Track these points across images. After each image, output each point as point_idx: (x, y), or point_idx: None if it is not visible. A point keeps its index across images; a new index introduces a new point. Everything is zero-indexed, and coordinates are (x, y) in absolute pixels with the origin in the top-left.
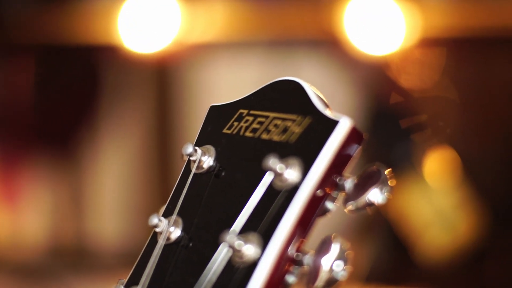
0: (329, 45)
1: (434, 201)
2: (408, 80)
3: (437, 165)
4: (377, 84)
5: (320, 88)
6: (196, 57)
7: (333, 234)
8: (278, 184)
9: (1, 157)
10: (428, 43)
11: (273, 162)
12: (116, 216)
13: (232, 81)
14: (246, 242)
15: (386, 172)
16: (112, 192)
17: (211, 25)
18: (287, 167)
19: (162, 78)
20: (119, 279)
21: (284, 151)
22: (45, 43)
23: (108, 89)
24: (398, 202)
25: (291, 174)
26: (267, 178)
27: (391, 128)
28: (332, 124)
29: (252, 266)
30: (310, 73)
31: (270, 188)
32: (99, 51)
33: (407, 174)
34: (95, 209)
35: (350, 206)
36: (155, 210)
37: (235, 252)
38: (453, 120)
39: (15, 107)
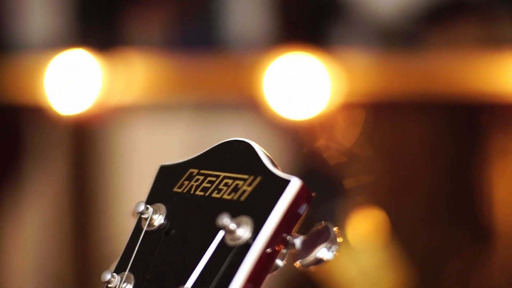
0: (251, 108)
1: (358, 260)
2: (331, 142)
3: (362, 224)
4: (300, 146)
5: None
6: (117, 118)
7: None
8: (230, 241)
9: None
10: (350, 106)
11: (226, 220)
12: (27, 279)
13: (154, 143)
14: None
15: (334, 229)
16: (24, 254)
17: (132, 86)
18: (239, 225)
19: (80, 139)
20: None
21: (236, 210)
22: None
23: (32, 149)
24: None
25: (243, 232)
26: (219, 236)
27: (315, 189)
28: (283, 183)
29: None
30: (233, 135)
31: (222, 245)
32: (24, 111)
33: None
34: (5, 271)
35: (299, 263)
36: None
37: None
38: (376, 179)
39: None
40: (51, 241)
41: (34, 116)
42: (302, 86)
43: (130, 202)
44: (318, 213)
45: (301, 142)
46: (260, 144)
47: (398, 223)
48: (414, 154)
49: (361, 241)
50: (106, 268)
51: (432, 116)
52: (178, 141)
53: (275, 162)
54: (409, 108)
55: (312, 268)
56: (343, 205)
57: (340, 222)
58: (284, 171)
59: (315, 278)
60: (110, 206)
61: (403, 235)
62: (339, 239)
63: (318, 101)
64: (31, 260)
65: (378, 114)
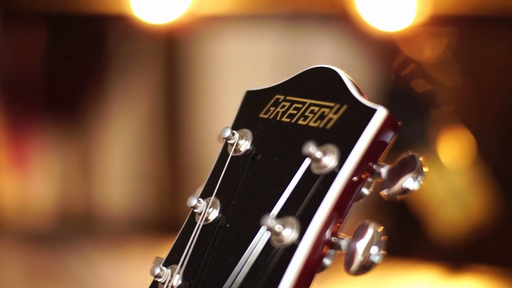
0: (342, 20)
1: (448, 179)
2: (420, 57)
3: (451, 144)
4: (389, 60)
5: (334, 63)
6: (206, 29)
7: (369, 219)
8: (316, 169)
9: (11, 124)
10: (438, 20)
11: (312, 148)
12: (123, 183)
13: (242, 55)
14: (285, 226)
15: (420, 159)
16: (119, 159)
17: None
18: (325, 153)
19: (171, 49)
20: (157, 257)
21: (322, 138)
22: (55, 11)
23: (117, 58)
24: None
25: (329, 160)
26: (305, 164)
27: (404, 105)
28: (369, 112)
29: (290, 249)
30: (323, 48)
31: (308, 173)
32: (110, 20)
33: (421, 152)
34: (103, 175)
35: (385, 192)
36: (161, 178)
37: (274, 235)
38: (464, 98)
39: (25, 74)
40: (145, 148)
41: (120, 25)
42: None
43: (220, 111)
44: (408, 134)
45: (390, 56)
46: (349, 58)
47: (484, 143)
48: (502, 70)
49: (450, 161)
50: (194, 182)
51: None
52: (268, 53)
53: (361, 90)
54: (499, 22)
55: (398, 197)
56: (433, 126)
57: (430, 143)
58: (371, 86)
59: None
60: (200, 114)
61: (490, 155)
62: (425, 169)
63: (406, 13)
64: (129, 166)
65: (466, 28)
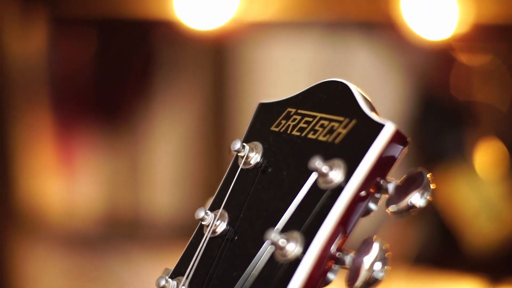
0: (385, 28)
1: (482, 191)
2: (460, 67)
3: (486, 156)
4: (429, 70)
5: (372, 73)
6: (253, 35)
7: (374, 235)
8: (323, 184)
9: (59, 127)
10: (480, 29)
11: (318, 163)
12: (170, 187)
13: (286, 61)
14: (289, 240)
15: (428, 176)
16: (166, 163)
17: (269, 4)
18: (332, 168)
19: (218, 55)
20: (165, 268)
21: (329, 152)
22: (103, 16)
23: (164, 63)
24: (447, 191)
25: (336, 175)
26: (312, 178)
27: (441, 117)
28: (377, 127)
29: (294, 263)
30: (363, 57)
31: (314, 187)
32: (157, 25)
33: (456, 164)
34: (149, 179)
35: (392, 208)
36: (207, 183)
37: (278, 249)
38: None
39: (74, 78)
40: (192, 152)
41: (167, 31)
42: (435, 6)
43: None
44: (444, 145)
45: (430, 65)
46: (387, 67)
47: None
48: None
49: (485, 171)
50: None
51: None
52: (314, 59)
53: (373, 105)
54: None
55: (404, 214)
56: (468, 138)
57: (465, 155)
58: (408, 97)
59: (440, 208)
60: (247, 119)
61: None
62: (432, 186)
63: (449, 22)
64: (176, 170)
65: (508, 39)
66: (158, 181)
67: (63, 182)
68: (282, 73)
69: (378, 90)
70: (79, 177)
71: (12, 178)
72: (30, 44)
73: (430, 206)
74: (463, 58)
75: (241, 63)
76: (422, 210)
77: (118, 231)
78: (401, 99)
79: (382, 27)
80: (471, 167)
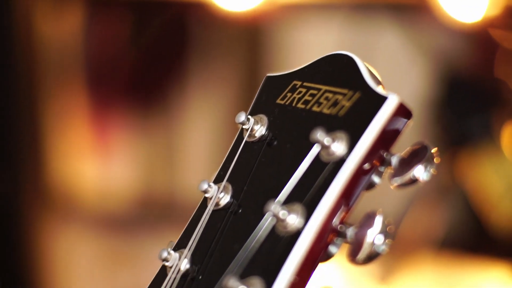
0: (414, 9)
1: (509, 173)
2: (489, 49)
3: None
4: (458, 51)
5: (399, 54)
6: (285, 17)
7: (379, 209)
8: (325, 156)
9: (95, 108)
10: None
11: (320, 135)
12: (205, 169)
13: (317, 43)
14: (290, 212)
15: (432, 149)
16: (201, 145)
17: None
18: (334, 140)
19: (252, 36)
20: (170, 241)
21: (333, 124)
22: None
23: (199, 44)
24: (474, 173)
25: (338, 147)
26: (314, 150)
27: (468, 99)
28: (380, 100)
29: (295, 235)
30: (391, 38)
31: (317, 160)
32: (191, 7)
33: (483, 146)
34: (184, 161)
35: (395, 181)
36: None
37: (279, 221)
38: None
39: (109, 59)
40: (226, 134)
41: (201, 12)
42: None
43: None
44: (472, 127)
45: (457, 47)
46: (414, 48)
47: None
48: None
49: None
50: None
51: None
52: (340, 40)
53: (378, 78)
54: None
55: (407, 187)
56: (497, 120)
57: (493, 137)
58: (434, 78)
59: (467, 190)
60: None
61: None
62: (436, 160)
63: (482, 4)
64: (211, 152)
65: None
66: (193, 162)
67: (98, 163)
68: (313, 54)
69: (405, 72)
70: (113, 158)
71: (46, 160)
72: (66, 24)
73: (457, 188)
74: (493, 40)
75: (274, 44)
76: (446, 191)
77: (153, 212)
78: (428, 81)
79: (411, 9)
80: (498, 149)
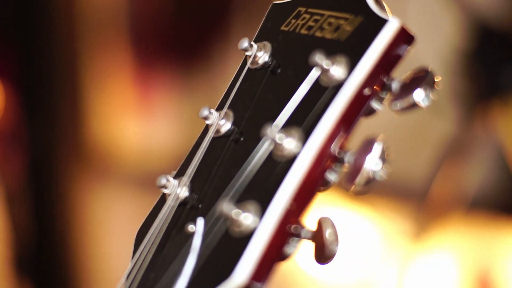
0: None
1: None
2: None
3: None
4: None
5: (430, 4)
6: None
7: (380, 135)
8: (325, 81)
9: (137, 66)
10: None
11: (319, 57)
12: None
13: None
14: (287, 136)
15: (435, 76)
16: None
17: None
18: (333, 63)
19: None
20: (172, 171)
21: (333, 48)
22: None
23: (242, 3)
24: (505, 127)
25: (338, 71)
26: (314, 74)
27: (500, 49)
28: (381, 23)
29: (291, 160)
30: None
31: (317, 85)
32: None
33: None
34: None
35: (395, 106)
36: None
37: (276, 145)
38: None
39: (152, 16)
40: None
41: None
42: None
43: None
44: (504, 78)
45: None
46: None
47: None
48: None
49: None
50: None
51: None
52: None
53: (384, 5)
54: None
55: (407, 112)
56: None
57: None
58: (465, 28)
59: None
60: None
61: None
62: (437, 85)
63: None
64: None
65: None
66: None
67: (139, 121)
68: None
69: (438, 22)
70: (155, 117)
71: (87, 117)
72: None
73: (489, 142)
74: None
75: None
76: (478, 146)
77: None
78: (458, 31)
79: None
80: None
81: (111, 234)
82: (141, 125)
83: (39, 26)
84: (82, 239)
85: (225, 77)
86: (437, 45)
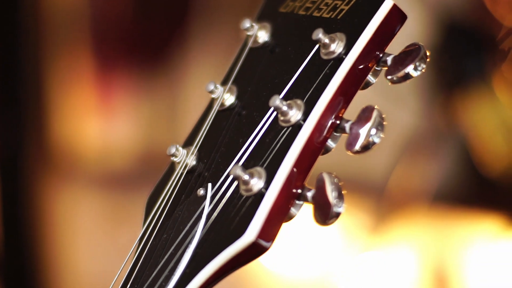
0: None
1: (500, 113)
2: None
3: (506, 78)
4: None
5: None
6: None
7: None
8: (324, 56)
9: (98, 67)
10: None
11: (320, 34)
12: None
13: None
14: (293, 106)
15: (426, 51)
16: (203, 104)
17: None
18: (333, 40)
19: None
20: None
21: (332, 27)
22: None
23: (203, 6)
24: (468, 116)
25: (337, 47)
26: (314, 50)
27: (464, 40)
28: (377, 2)
29: (297, 128)
30: None
31: (318, 59)
32: None
33: (478, 89)
34: (187, 121)
35: (389, 78)
36: None
37: (283, 115)
38: None
39: (113, 18)
40: None
41: None
42: None
43: None
44: (466, 68)
45: None
46: None
47: None
48: None
49: (505, 94)
50: None
51: None
52: None
53: None
54: None
55: (401, 83)
56: (491, 62)
57: (487, 78)
58: (431, 22)
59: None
60: None
61: None
62: (428, 59)
63: None
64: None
65: None
66: (194, 122)
67: (101, 121)
68: None
69: None
70: (116, 117)
71: (50, 118)
72: None
73: (451, 133)
74: None
75: None
76: (441, 136)
77: (155, 172)
78: (424, 23)
79: None
80: (492, 92)
81: (77, 233)
82: (102, 125)
83: (3, 27)
84: (48, 238)
85: (184, 78)
86: (402, 39)
